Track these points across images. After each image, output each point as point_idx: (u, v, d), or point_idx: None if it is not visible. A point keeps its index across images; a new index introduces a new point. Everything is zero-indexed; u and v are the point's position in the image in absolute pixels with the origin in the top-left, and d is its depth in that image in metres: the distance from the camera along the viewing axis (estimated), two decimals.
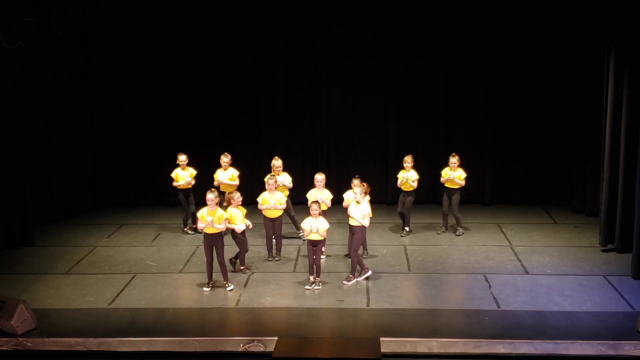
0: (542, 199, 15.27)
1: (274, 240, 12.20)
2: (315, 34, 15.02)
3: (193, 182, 13.37)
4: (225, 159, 13.10)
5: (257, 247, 12.41)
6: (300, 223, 12.18)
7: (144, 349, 9.22)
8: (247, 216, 11.61)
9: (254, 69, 15.13)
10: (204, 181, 13.19)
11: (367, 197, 11.68)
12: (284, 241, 12.49)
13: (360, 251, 11.63)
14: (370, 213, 11.20)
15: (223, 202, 11.63)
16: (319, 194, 12.12)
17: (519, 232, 13.52)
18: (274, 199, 12.04)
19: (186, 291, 10.97)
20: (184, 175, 13.30)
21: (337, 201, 12.56)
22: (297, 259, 12.20)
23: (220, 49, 15.03)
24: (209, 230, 10.84)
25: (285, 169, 12.91)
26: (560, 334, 9.27)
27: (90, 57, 14.98)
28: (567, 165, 14.84)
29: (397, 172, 13.23)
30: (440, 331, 9.41)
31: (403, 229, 13.42)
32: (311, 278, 10.99)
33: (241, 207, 11.51)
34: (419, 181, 13.17)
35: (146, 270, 11.79)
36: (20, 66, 12.86)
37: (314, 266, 10.96)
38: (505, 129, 15.13)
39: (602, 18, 12.71)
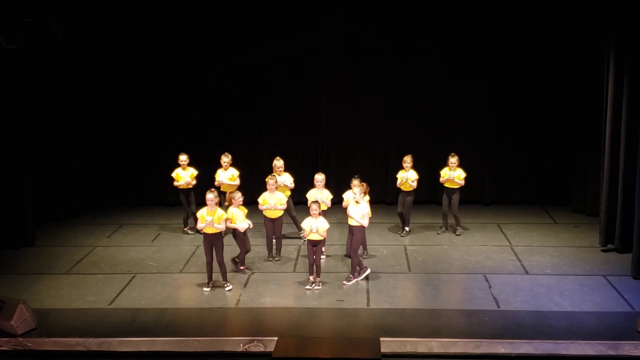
0: (542, 199, 15.26)
1: (274, 240, 12.21)
2: (315, 34, 15.01)
3: (193, 182, 13.37)
4: (225, 159, 13.09)
5: (257, 247, 12.40)
6: (300, 223, 12.18)
7: (144, 349, 9.22)
8: (247, 216, 11.61)
9: (254, 69, 15.12)
10: (205, 181, 13.18)
11: (367, 197, 11.68)
12: (284, 241, 12.49)
13: (360, 251, 11.63)
14: (370, 213, 11.19)
15: (224, 202, 11.64)
16: (319, 194, 12.12)
17: (519, 232, 13.51)
18: (274, 199, 12.03)
19: (186, 291, 10.97)
20: (184, 175, 13.30)
21: (337, 201, 12.55)
22: (297, 259, 12.20)
23: (220, 49, 15.03)
24: (209, 230, 10.84)
25: (286, 169, 12.91)
26: (560, 334, 9.27)
27: (90, 57, 14.99)
28: (567, 165, 14.84)
29: (397, 172, 13.22)
30: (440, 331, 9.41)
31: (403, 229, 13.42)
32: (311, 278, 10.99)
33: (242, 207, 11.51)
34: (419, 181, 13.16)
35: (146, 270, 11.79)
36: (20, 66, 12.86)
37: (314, 266, 10.95)
38: (505, 129, 15.13)
39: (602, 18, 12.70)
